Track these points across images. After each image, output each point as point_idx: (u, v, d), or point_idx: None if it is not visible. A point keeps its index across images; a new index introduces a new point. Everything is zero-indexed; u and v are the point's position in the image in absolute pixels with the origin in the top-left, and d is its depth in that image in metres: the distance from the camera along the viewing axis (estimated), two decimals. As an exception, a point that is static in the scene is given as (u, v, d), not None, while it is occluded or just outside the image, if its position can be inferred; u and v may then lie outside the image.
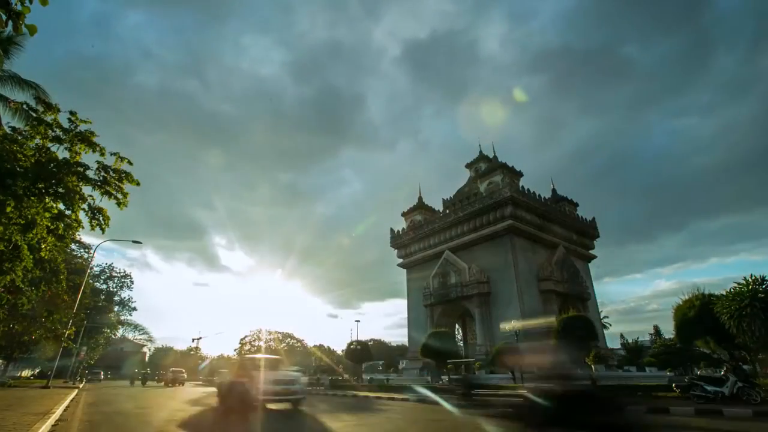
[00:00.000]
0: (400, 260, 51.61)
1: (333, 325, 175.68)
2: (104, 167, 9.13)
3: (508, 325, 27.20)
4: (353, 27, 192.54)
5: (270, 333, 63.41)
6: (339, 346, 78.85)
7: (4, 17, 3.01)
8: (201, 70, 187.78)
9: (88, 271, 30.26)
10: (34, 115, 9.06)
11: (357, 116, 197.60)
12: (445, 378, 26.68)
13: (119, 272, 53.45)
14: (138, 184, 9.35)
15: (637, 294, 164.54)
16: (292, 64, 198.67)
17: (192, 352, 73.65)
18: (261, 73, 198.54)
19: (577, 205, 49.71)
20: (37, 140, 9.01)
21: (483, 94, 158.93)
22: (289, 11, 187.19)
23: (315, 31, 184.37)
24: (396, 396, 17.53)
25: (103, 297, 50.37)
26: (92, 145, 8.95)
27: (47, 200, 9.14)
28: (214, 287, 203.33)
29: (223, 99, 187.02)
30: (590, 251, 48.35)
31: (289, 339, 65.75)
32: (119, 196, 9.34)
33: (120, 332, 62.64)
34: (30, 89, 14.52)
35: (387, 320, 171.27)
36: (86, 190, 9.63)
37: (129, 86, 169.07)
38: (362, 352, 34.18)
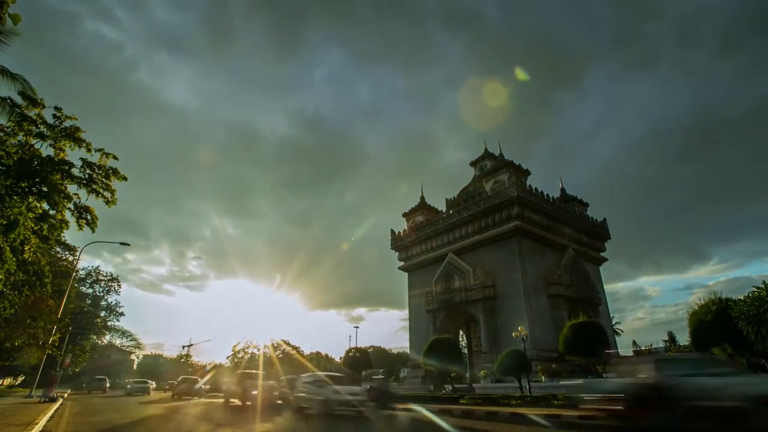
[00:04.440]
0: (401, 263, 51.61)
1: (331, 331, 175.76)
2: (89, 164, 9.14)
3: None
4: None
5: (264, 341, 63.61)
6: (337, 354, 78.89)
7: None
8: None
9: (74, 274, 30.29)
10: (18, 110, 9.07)
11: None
12: (448, 387, 26.66)
13: (106, 275, 53.56)
14: (125, 179, 9.36)
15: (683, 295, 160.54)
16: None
17: (182, 360, 73.77)
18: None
19: (587, 205, 49.72)
20: (21, 137, 9.03)
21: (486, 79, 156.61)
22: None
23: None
24: (397, 406, 17.54)
25: (89, 301, 50.48)
26: (78, 141, 8.97)
27: (31, 200, 9.15)
28: (206, 294, 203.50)
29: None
30: (601, 254, 48.35)
31: (284, 346, 65.86)
32: (107, 194, 9.36)
33: (107, 338, 62.76)
34: (16, 83, 14.56)
35: (387, 326, 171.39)
36: (72, 188, 9.65)
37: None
38: (361, 360, 34.22)
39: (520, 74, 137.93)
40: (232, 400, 20.23)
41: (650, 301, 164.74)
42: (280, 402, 18.83)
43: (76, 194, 9.54)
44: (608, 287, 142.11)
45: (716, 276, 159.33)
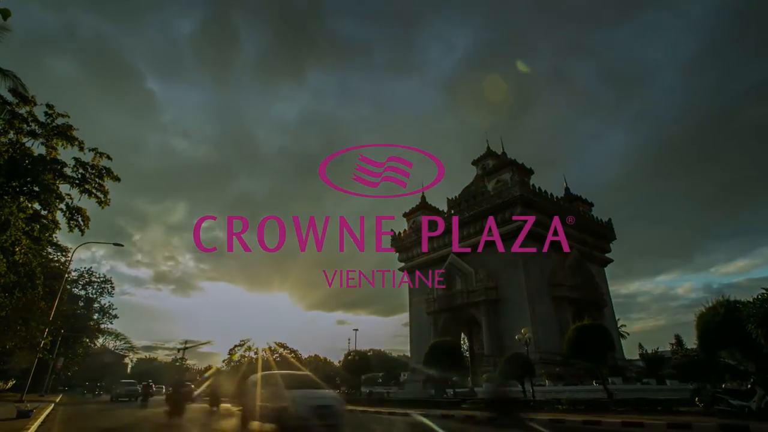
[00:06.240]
0: (402, 264, 51.60)
1: (329, 335, 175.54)
2: (83, 164, 9.11)
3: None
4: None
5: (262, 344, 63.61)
6: (336, 357, 78.91)
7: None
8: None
9: (66, 276, 30.18)
10: (8, 108, 9.04)
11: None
12: (450, 391, 26.62)
13: (99, 277, 53.38)
14: (118, 179, 9.34)
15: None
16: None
17: (177, 363, 73.72)
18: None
19: (591, 205, 49.67)
20: (12, 135, 8.99)
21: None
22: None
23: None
24: (397, 411, 17.57)
25: (81, 304, 50.37)
26: (71, 140, 8.93)
27: (22, 200, 9.11)
28: (203, 298, 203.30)
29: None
30: (606, 254, 48.31)
31: (281, 349, 65.75)
32: (100, 195, 9.33)
33: (100, 341, 62.62)
34: (7, 80, 14.51)
35: (388, 329, 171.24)
36: (64, 188, 9.63)
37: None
38: (361, 364, 34.09)
39: (522, 67, 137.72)
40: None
41: (670, 301, 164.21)
42: None
43: (68, 194, 9.53)
44: (624, 288, 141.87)
45: (743, 275, 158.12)
